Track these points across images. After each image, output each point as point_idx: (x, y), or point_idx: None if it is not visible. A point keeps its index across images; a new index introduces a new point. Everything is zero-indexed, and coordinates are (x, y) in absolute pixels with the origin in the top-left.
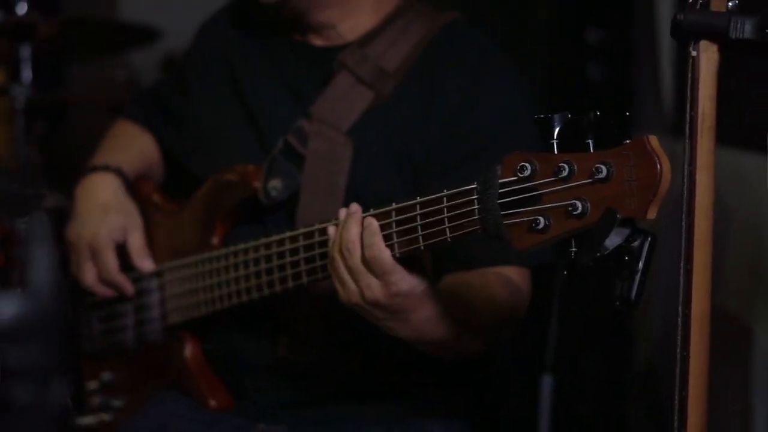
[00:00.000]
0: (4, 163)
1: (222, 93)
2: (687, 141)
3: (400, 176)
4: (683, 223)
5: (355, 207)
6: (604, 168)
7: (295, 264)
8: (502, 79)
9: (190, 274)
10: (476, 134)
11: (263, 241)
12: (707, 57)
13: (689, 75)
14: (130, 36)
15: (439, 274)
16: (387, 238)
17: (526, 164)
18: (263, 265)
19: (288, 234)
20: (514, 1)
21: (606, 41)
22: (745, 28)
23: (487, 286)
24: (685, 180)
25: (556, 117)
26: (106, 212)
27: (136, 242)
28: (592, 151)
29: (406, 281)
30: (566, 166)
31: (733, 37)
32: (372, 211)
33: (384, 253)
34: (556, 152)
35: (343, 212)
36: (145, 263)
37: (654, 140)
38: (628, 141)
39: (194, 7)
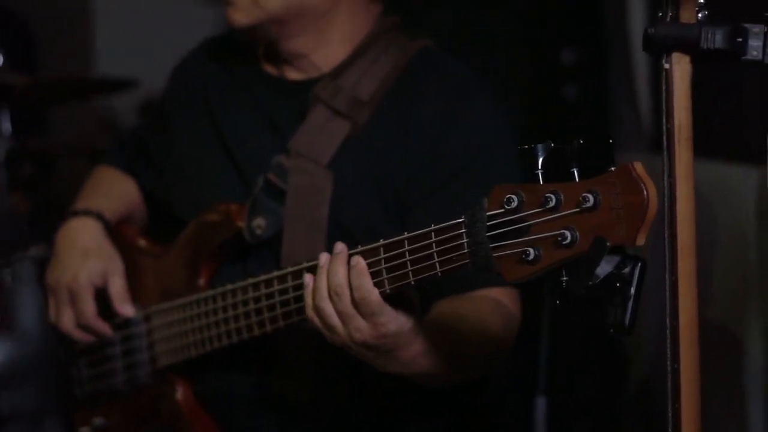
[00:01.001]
0: None
1: (200, 132)
2: (665, 153)
3: (383, 204)
4: (665, 235)
5: (340, 247)
6: (590, 197)
7: (285, 303)
8: (477, 102)
9: (178, 318)
10: (454, 157)
11: (251, 281)
12: (680, 69)
13: (663, 87)
14: (108, 87)
15: (427, 300)
16: (377, 274)
17: (513, 196)
18: (252, 306)
19: (276, 273)
20: (488, 25)
21: (580, 61)
22: (715, 38)
23: (478, 315)
24: (665, 192)
25: (540, 147)
26: (86, 257)
27: (117, 287)
28: (577, 179)
29: (394, 322)
30: (553, 197)
31: (705, 47)
32: (359, 248)
33: (373, 294)
34: (541, 182)
35: (323, 257)
36: (125, 309)
37: (639, 166)
38: (613, 168)
39: (172, 55)
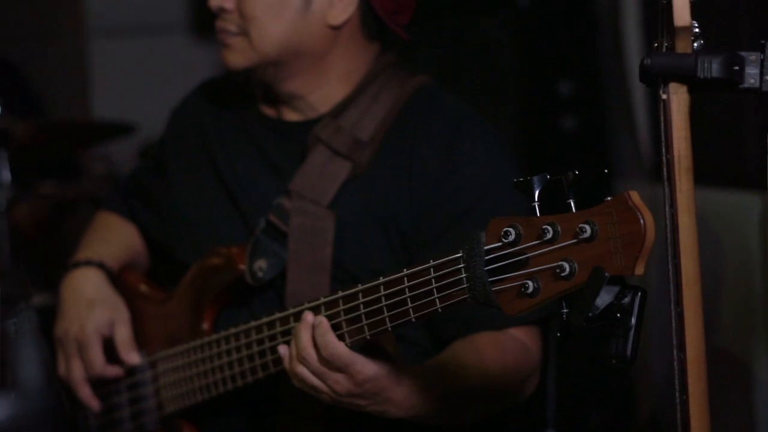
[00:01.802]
0: None
1: (200, 175)
2: (666, 183)
3: (387, 245)
4: (670, 266)
5: (305, 314)
6: (587, 227)
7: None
8: (478, 140)
9: (183, 363)
10: (458, 198)
11: (253, 324)
12: (678, 98)
13: (662, 118)
14: (106, 132)
15: (439, 343)
16: (379, 312)
17: (510, 229)
18: (255, 348)
19: (278, 315)
20: (485, 58)
21: (578, 92)
22: (712, 67)
23: (484, 352)
24: (668, 223)
25: (536, 179)
26: (91, 307)
27: (123, 335)
28: (574, 211)
29: (369, 366)
30: (550, 228)
31: (701, 76)
32: (355, 288)
33: (339, 348)
34: (538, 215)
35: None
36: (131, 357)
37: (635, 195)
38: (609, 198)
39: (169, 99)
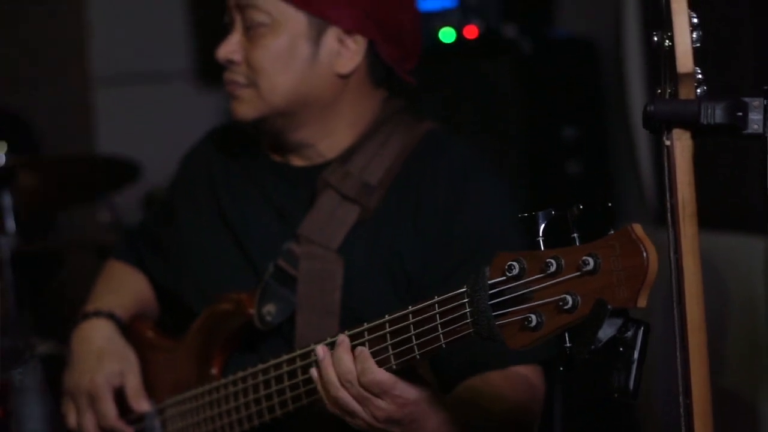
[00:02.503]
0: None
1: (209, 221)
2: (670, 229)
3: (395, 289)
4: (675, 312)
5: (341, 338)
6: (591, 260)
7: (294, 387)
8: (485, 184)
9: (191, 408)
10: (465, 241)
11: (260, 367)
12: (681, 144)
13: (665, 164)
14: (110, 172)
15: (446, 382)
16: (383, 351)
17: (514, 263)
18: (262, 391)
19: (285, 357)
20: (489, 104)
21: (582, 137)
22: (715, 113)
23: (504, 391)
24: (672, 268)
25: (540, 214)
26: (101, 359)
27: (133, 385)
28: (578, 244)
29: (411, 390)
30: (554, 262)
31: (705, 122)
32: (360, 327)
33: (380, 375)
34: (542, 249)
35: (320, 351)
36: (142, 405)
37: (638, 228)
38: (612, 232)
39: (173, 146)
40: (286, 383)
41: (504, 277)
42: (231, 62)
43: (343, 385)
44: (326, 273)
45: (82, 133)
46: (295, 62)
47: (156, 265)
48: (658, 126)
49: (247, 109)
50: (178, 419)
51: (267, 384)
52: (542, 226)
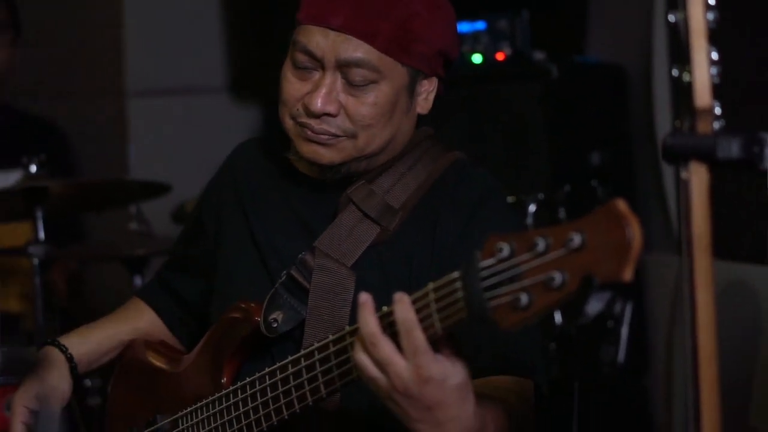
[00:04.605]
0: (22, 324)
1: (236, 234)
2: (684, 260)
3: None
4: (688, 343)
5: (364, 297)
6: (577, 237)
7: (299, 386)
8: (498, 211)
9: (204, 417)
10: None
11: (267, 370)
12: (698, 178)
13: (682, 197)
14: (141, 192)
15: None
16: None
17: (504, 244)
18: (269, 394)
19: (290, 358)
20: (516, 128)
21: (609, 163)
22: (732, 148)
23: (506, 399)
24: (687, 300)
25: (529, 197)
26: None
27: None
28: (564, 222)
29: (436, 365)
30: (541, 241)
31: (721, 157)
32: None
33: (419, 328)
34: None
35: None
36: None
37: (622, 203)
38: (597, 208)
39: (206, 159)
40: (292, 384)
41: (494, 259)
42: (328, 115)
43: (366, 349)
44: (337, 288)
45: (116, 145)
46: (396, 114)
47: (188, 286)
48: (676, 159)
49: (337, 156)
50: (191, 430)
51: (274, 386)
52: (532, 209)
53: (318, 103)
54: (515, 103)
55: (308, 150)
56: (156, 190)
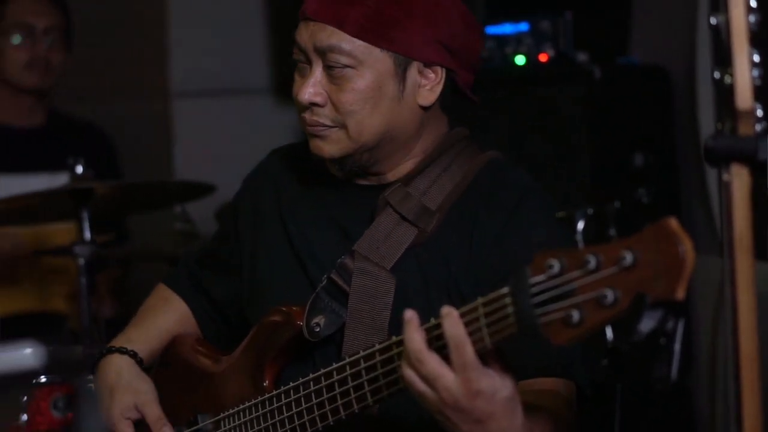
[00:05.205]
0: (69, 322)
1: (272, 237)
2: (726, 262)
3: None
4: (730, 343)
5: (410, 314)
6: (629, 255)
7: (345, 393)
8: (538, 211)
9: (248, 419)
10: (515, 260)
11: (311, 376)
12: (739, 180)
13: (723, 199)
14: (186, 193)
15: None
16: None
17: (554, 261)
18: (314, 400)
19: (335, 365)
20: (558, 130)
21: (653, 165)
22: None
23: (550, 404)
24: (729, 302)
25: (578, 213)
26: (113, 394)
27: (152, 415)
28: (615, 240)
29: (485, 379)
30: (593, 258)
31: (762, 158)
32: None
33: (468, 346)
34: (581, 246)
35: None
36: (164, 431)
37: (673, 222)
38: (648, 226)
39: (250, 160)
40: (337, 390)
41: (544, 276)
42: (315, 104)
43: (412, 365)
44: (378, 291)
45: (161, 146)
46: (383, 101)
47: (217, 285)
48: (718, 161)
49: (333, 148)
50: None
51: (319, 392)
52: (581, 225)
53: (304, 95)
54: (558, 104)
55: (312, 145)
56: (200, 190)
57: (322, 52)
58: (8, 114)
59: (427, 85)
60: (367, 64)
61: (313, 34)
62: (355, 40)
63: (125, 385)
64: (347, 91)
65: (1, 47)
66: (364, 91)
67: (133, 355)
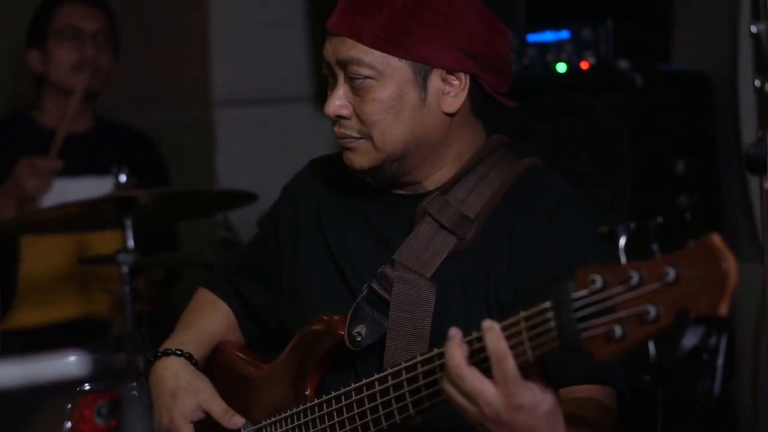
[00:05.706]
0: (112, 330)
1: (311, 246)
2: (765, 269)
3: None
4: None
5: (454, 331)
6: (671, 271)
7: (386, 404)
8: (577, 218)
9: (288, 428)
10: (554, 268)
11: (353, 386)
12: None
13: (764, 206)
14: (228, 201)
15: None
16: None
17: (597, 276)
18: (356, 410)
19: (377, 376)
20: (600, 137)
21: (694, 172)
22: None
23: (592, 414)
24: (766, 306)
25: (620, 228)
26: (175, 397)
27: (217, 408)
28: (658, 256)
29: (527, 393)
30: (635, 274)
31: None
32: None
33: (510, 357)
34: (623, 262)
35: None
36: (234, 421)
37: (717, 238)
38: (691, 242)
39: (291, 168)
40: (379, 401)
41: (587, 291)
42: (341, 117)
43: (452, 382)
44: (418, 299)
45: (203, 155)
46: (405, 110)
47: (254, 292)
48: (759, 168)
49: (363, 159)
50: None
51: (360, 402)
52: (622, 240)
53: (330, 108)
54: (599, 111)
55: (344, 157)
56: (243, 199)
57: (344, 65)
58: (56, 118)
59: (451, 91)
60: (387, 74)
61: (335, 47)
62: (373, 51)
63: (185, 386)
64: (369, 102)
65: (50, 50)
66: (386, 101)
67: (189, 357)
